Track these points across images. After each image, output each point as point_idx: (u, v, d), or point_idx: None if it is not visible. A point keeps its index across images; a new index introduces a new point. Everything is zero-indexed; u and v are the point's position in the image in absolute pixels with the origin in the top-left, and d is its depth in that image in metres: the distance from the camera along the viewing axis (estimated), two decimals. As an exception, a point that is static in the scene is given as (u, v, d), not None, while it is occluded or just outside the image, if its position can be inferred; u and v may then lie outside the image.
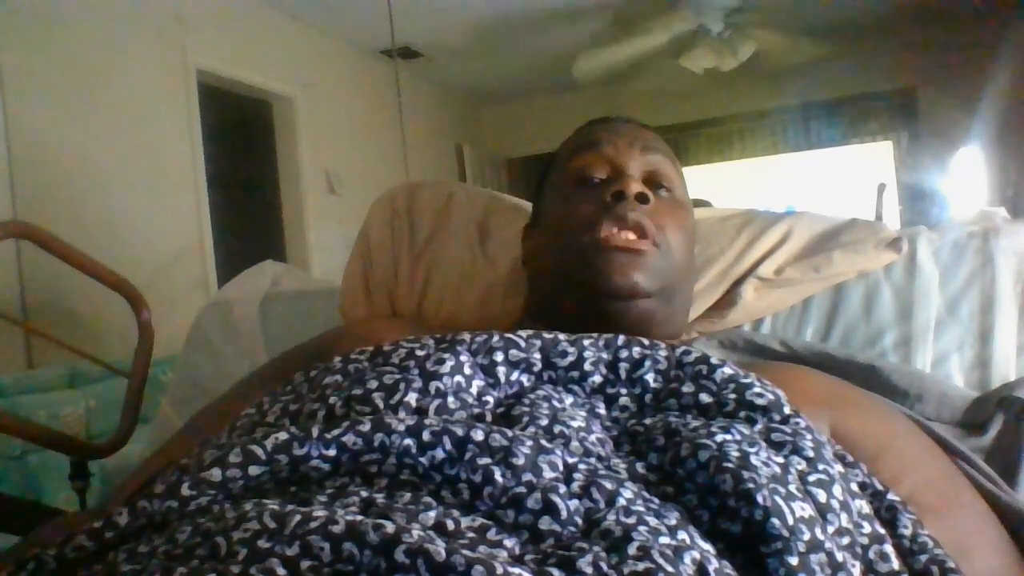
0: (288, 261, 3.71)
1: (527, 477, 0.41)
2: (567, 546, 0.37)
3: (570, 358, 0.55)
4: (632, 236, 0.65)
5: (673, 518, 0.40)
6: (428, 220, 0.94)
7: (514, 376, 0.55)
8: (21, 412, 1.85)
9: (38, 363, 2.38)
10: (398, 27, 3.67)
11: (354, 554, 0.35)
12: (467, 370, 0.53)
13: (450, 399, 0.51)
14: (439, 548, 0.34)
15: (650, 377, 0.54)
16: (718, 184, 4.90)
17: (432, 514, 0.39)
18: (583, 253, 0.65)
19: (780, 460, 0.44)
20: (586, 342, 0.56)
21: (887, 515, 0.49)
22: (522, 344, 0.56)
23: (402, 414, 0.48)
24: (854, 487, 0.48)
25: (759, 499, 0.40)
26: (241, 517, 0.38)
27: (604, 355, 0.56)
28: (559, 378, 0.55)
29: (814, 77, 4.70)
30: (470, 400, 0.52)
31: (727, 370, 0.54)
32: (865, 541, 0.44)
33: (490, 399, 0.53)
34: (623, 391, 0.54)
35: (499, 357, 0.55)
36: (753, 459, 0.43)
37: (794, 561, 0.38)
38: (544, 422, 0.48)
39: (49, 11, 2.58)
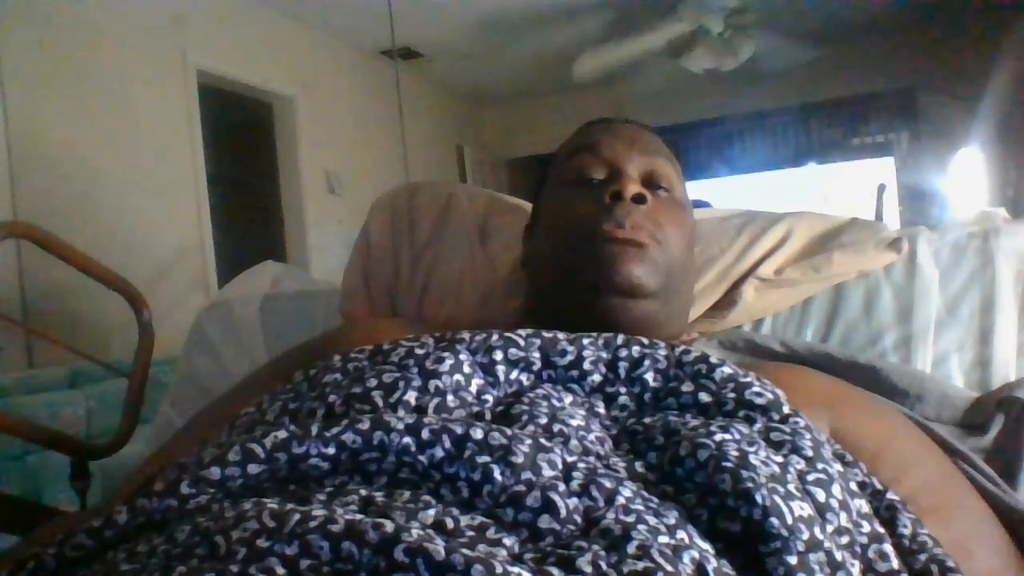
0: (288, 261, 3.71)
1: (526, 475, 0.41)
2: (566, 545, 0.37)
3: (569, 357, 0.55)
4: (632, 231, 0.65)
5: (672, 517, 0.40)
6: (428, 220, 0.94)
7: (513, 375, 0.55)
8: (21, 412, 1.86)
9: (38, 363, 2.39)
10: (398, 27, 3.67)
11: (353, 553, 0.35)
12: (466, 369, 0.53)
13: (449, 397, 0.51)
14: (438, 547, 0.34)
15: (649, 376, 0.54)
16: (717, 184, 4.92)
17: (431, 512, 0.39)
18: (584, 247, 0.65)
19: (779, 459, 0.44)
20: (585, 341, 0.56)
21: (886, 514, 0.48)
22: (521, 343, 0.56)
23: (401, 412, 0.48)
24: (853, 486, 0.48)
25: (758, 498, 0.40)
26: (240, 516, 0.38)
27: (603, 354, 0.56)
28: (558, 377, 0.55)
29: (814, 77, 4.70)
30: (469, 399, 0.52)
31: (726, 369, 0.54)
32: (864, 540, 0.44)
33: (489, 398, 0.53)
34: (622, 390, 0.54)
35: (498, 356, 0.55)
36: (752, 458, 0.43)
37: (793, 560, 0.38)
38: (543, 421, 0.48)
39: (49, 11, 2.59)
